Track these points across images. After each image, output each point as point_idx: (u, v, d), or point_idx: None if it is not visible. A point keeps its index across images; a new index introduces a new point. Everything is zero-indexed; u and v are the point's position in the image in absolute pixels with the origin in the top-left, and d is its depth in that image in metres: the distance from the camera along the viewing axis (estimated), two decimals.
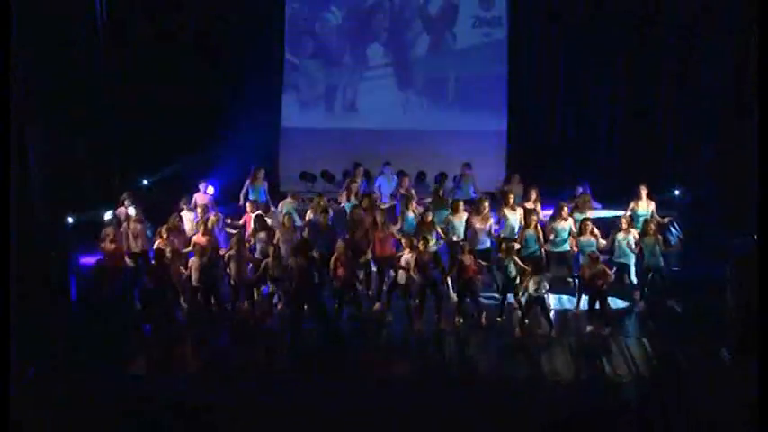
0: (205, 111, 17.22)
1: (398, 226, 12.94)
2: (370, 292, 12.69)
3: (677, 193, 15.66)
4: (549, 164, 17.37)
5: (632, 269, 12.29)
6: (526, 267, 11.55)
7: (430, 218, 12.62)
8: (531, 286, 11.37)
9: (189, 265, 11.91)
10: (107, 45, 16.36)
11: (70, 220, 13.82)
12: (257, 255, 12.40)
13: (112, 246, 12.25)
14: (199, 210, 13.20)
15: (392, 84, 17.83)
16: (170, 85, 16.68)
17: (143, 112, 16.67)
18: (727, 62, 15.62)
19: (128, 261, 12.43)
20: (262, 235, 12.46)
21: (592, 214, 13.09)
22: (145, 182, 16.71)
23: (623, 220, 12.36)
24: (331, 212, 13.13)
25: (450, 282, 12.36)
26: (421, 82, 17.82)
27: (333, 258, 11.74)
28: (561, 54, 17.24)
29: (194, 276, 11.83)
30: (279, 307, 12.16)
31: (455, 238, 12.63)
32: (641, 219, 12.72)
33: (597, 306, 11.55)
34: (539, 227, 12.49)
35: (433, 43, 17.77)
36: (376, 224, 12.47)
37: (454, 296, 12.24)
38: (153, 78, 16.60)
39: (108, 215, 13.07)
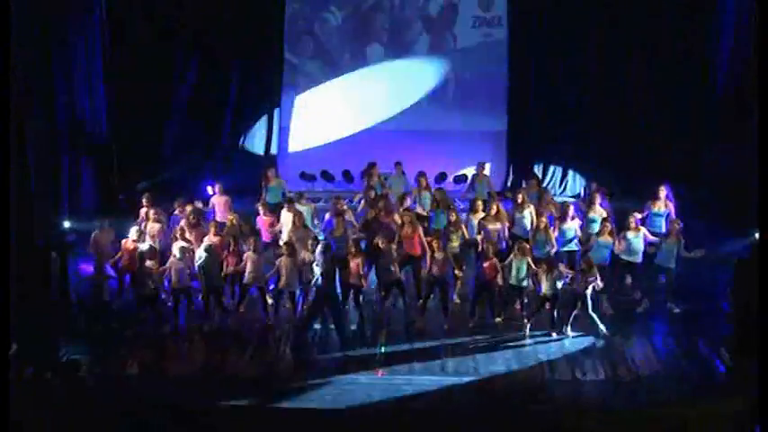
0: (205, 111, 17.21)
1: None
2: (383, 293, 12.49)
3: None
4: (548, 164, 17.39)
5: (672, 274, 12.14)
6: (538, 269, 11.56)
7: (455, 217, 12.56)
8: (544, 284, 11.39)
9: (168, 265, 11.88)
10: (107, 45, 16.37)
11: (67, 224, 13.77)
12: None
13: (134, 245, 12.20)
14: (188, 208, 13.01)
15: (392, 84, 17.82)
16: (170, 85, 16.65)
17: (142, 111, 16.67)
18: (727, 62, 15.61)
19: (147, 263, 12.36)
20: (250, 240, 12.37)
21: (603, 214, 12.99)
22: (144, 183, 16.70)
23: (631, 220, 12.33)
24: (348, 215, 12.92)
25: (459, 284, 12.35)
26: (421, 82, 17.82)
27: (346, 257, 11.74)
28: (561, 54, 17.24)
29: (174, 277, 11.82)
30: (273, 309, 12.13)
31: (479, 238, 12.58)
32: (657, 219, 12.72)
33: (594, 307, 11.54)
34: (549, 228, 12.49)
35: (433, 43, 17.77)
36: (403, 224, 12.35)
37: (457, 299, 12.34)
38: (153, 78, 16.60)
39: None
